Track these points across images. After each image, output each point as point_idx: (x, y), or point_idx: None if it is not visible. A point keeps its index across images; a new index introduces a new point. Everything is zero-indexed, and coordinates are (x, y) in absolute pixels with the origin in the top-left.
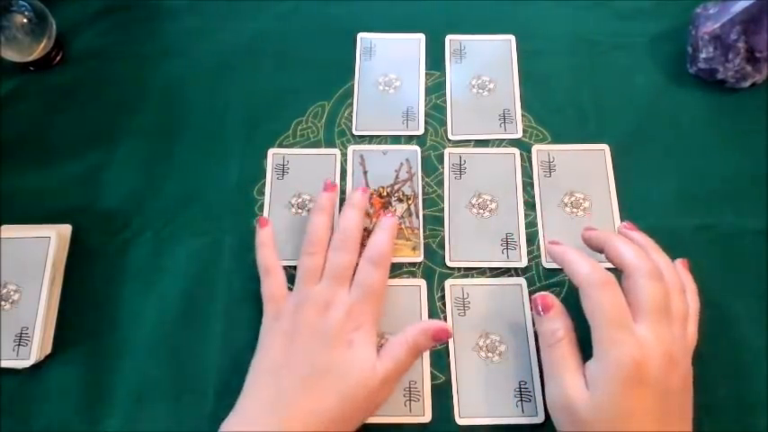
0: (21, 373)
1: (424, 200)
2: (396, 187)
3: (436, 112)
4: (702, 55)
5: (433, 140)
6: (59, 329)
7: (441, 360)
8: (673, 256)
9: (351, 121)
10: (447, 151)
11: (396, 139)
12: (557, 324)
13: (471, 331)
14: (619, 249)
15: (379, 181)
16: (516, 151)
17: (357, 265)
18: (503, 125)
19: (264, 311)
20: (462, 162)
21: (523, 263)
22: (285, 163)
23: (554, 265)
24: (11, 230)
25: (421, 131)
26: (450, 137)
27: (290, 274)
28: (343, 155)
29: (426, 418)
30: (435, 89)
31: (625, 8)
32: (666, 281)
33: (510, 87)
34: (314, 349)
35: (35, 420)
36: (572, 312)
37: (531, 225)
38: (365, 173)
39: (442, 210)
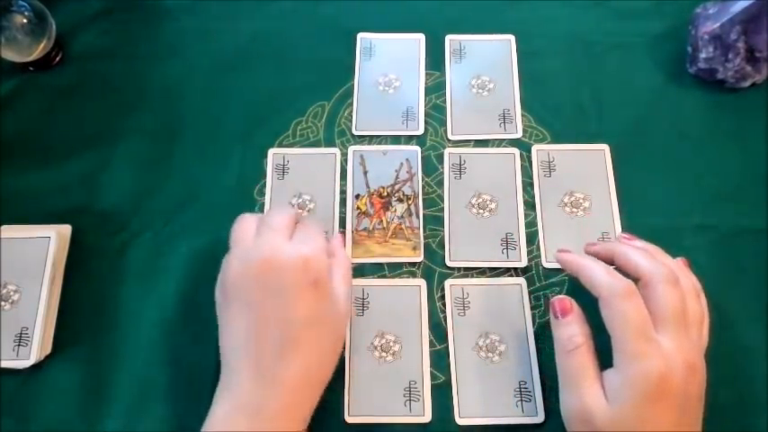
0: (21, 373)
1: (424, 200)
2: (396, 187)
3: (436, 112)
4: (702, 55)
5: (432, 140)
6: (59, 329)
7: (441, 360)
8: (673, 256)
9: (351, 121)
10: (447, 151)
11: (396, 139)
12: (574, 329)
13: (471, 331)
14: (631, 258)
15: (380, 181)
16: (516, 151)
17: None
18: (503, 125)
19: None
20: (462, 162)
21: (523, 263)
22: (285, 163)
23: (554, 265)
24: (11, 230)
25: (421, 131)
26: (450, 137)
27: None
28: (344, 155)
29: (426, 418)
30: (435, 89)
31: (625, 8)
32: (682, 285)
33: (510, 87)
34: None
35: (35, 420)
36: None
37: (530, 225)
38: (365, 173)
39: (442, 210)
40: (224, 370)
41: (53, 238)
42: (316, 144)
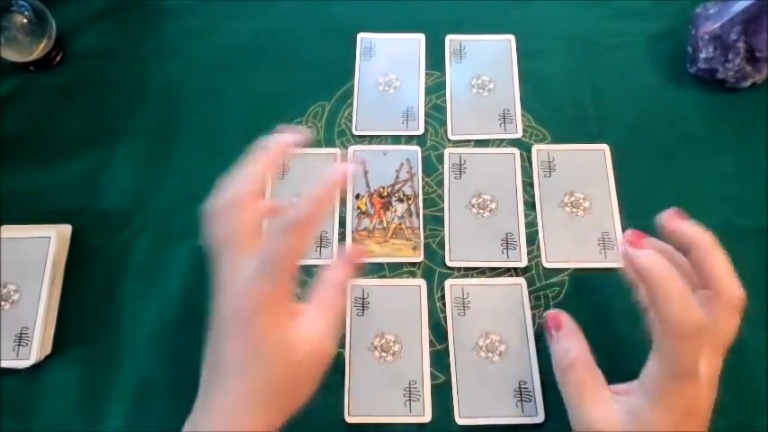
0: (21, 373)
1: (424, 200)
2: (396, 187)
3: (436, 112)
4: (702, 55)
5: (433, 140)
6: (59, 329)
7: (441, 360)
8: None
9: (351, 121)
10: (447, 151)
11: (396, 139)
12: (568, 344)
13: (471, 331)
14: (718, 267)
15: (380, 181)
16: (516, 151)
17: None
18: (503, 125)
19: None
20: (462, 162)
21: (523, 263)
22: (285, 162)
23: (554, 265)
24: (11, 230)
25: (421, 131)
26: (451, 137)
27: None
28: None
29: (426, 418)
30: (435, 89)
31: (625, 8)
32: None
33: (510, 87)
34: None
35: (35, 420)
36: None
37: (531, 225)
38: (365, 173)
39: (442, 210)
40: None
41: (53, 238)
42: (316, 144)
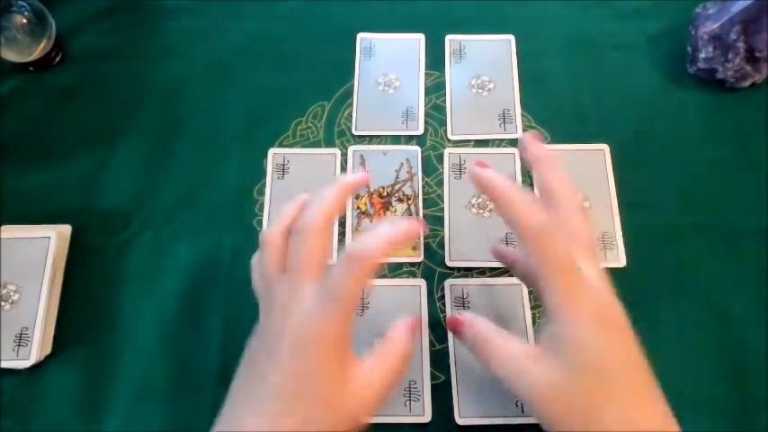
0: (21, 373)
1: (424, 200)
2: (396, 187)
3: (436, 112)
4: (702, 55)
5: (432, 140)
6: (59, 329)
7: (441, 360)
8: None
9: (351, 121)
10: (447, 151)
11: (396, 139)
12: (468, 331)
13: None
14: (554, 180)
15: (380, 181)
16: (516, 151)
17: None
18: (502, 125)
19: None
20: (462, 162)
21: None
22: (285, 163)
23: None
24: (11, 230)
25: (421, 131)
26: (450, 137)
27: None
28: (344, 155)
29: (426, 418)
30: (435, 89)
31: (624, 8)
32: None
33: (509, 87)
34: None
35: (35, 420)
36: None
37: None
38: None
39: (442, 210)
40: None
41: (53, 238)
42: (316, 144)
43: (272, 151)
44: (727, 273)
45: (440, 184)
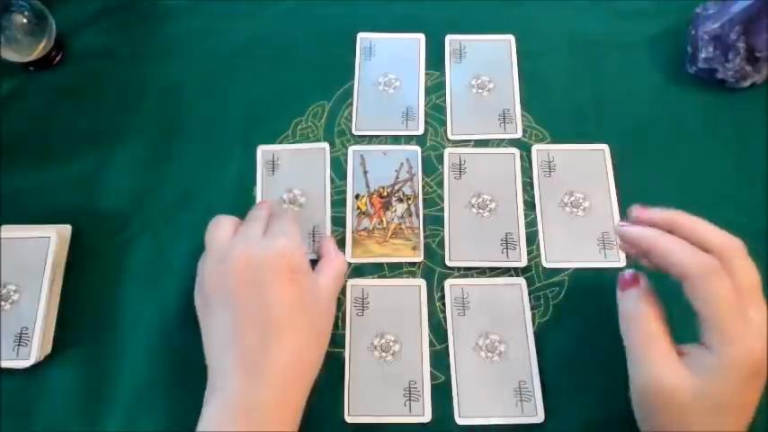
0: (21, 373)
1: (424, 200)
2: (396, 187)
3: (436, 112)
4: (702, 55)
5: (432, 140)
6: (59, 329)
7: (441, 360)
8: None
9: (351, 121)
10: (447, 151)
11: (395, 139)
12: (639, 296)
13: (471, 331)
14: (700, 230)
15: (380, 181)
16: (516, 151)
17: None
18: (502, 125)
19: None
20: (462, 162)
21: (523, 263)
22: (275, 159)
23: (554, 265)
24: (11, 230)
25: (421, 131)
26: (450, 137)
27: None
28: (343, 154)
29: (426, 418)
30: (435, 89)
31: (625, 8)
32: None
33: (510, 87)
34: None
35: (35, 420)
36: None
37: (530, 225)
38: (365, 173)
39: (442, 210)
40: (211, 373)
41: (53, 238)
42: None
43: (260, 148)
44: None
45: (440, 184)
